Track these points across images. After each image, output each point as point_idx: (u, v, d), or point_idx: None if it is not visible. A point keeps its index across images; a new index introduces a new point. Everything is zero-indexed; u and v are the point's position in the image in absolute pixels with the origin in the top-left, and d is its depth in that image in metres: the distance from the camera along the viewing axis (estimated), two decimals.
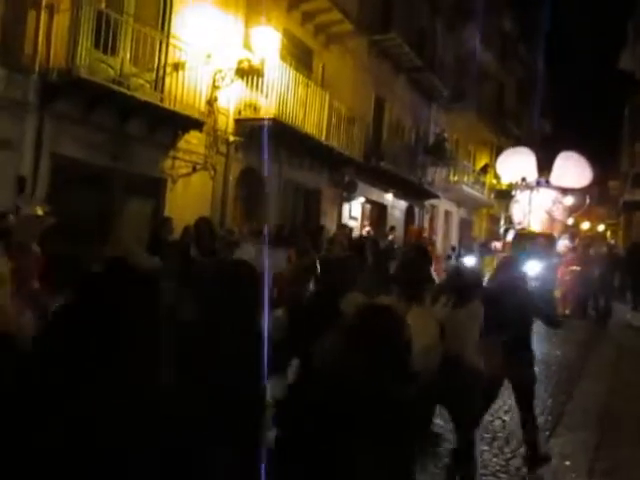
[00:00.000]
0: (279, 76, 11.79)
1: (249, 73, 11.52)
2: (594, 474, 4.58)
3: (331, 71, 14.95)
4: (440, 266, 13.28)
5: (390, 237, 15.29)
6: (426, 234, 19.43)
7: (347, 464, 2.17)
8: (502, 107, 28.37)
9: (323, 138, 13.21)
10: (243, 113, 11.97)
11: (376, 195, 18.34)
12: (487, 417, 5.23)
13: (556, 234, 15.22)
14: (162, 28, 10.18)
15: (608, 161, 31.92)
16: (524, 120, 32.60)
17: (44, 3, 8.12)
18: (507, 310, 4.27)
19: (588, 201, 17.74)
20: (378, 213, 19.09)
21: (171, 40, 10.03)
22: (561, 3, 66.10)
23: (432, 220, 23.45)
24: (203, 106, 10.83)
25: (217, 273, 2.84)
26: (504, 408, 5.84)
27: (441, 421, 5.13)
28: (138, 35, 9.31)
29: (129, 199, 9.92)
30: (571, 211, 16.91)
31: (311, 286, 8.74)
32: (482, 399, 4.28)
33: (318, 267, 8.86)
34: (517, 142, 25.45)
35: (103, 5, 8.92)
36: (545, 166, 15.99)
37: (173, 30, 10.26)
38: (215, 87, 11.21)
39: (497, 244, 16.35)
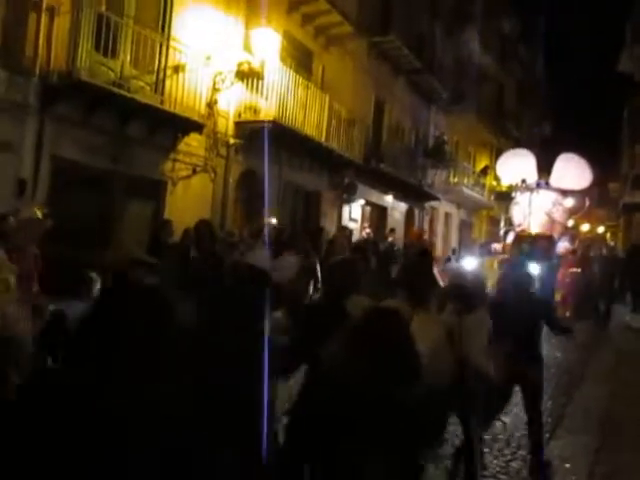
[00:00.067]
0: (279, 78, 11.81)
1: (249, 75, 11.53)
2: (594, 477, 4.58)
3: (331, 73, 14.96)
4: (439, 268, 13.26)
5: (390, 239, 15.30)
6: (426, 236, 19.43)
7: (355, 469, 2.18)
8: (502, 109, 28.39)
9: (323, 140, 13.23)
10: (243, 115, 11.98)
11: (376, 197, 18.34)
12: None
13: (556, 236, 15.20)
14: (162, 30, 10.19)
15: (608, 163, 31.91)
16: (524, 122, 32.63)
17: (45, 6, 8.13)
18: (516, 316, 4.30)
19: (588, 203, 17.73)
20: (378, 215, 19.10)
21: (171, 42, 10.04)
22: (560, 5, 66.18)
23: (432, 222, 23.46)
24: (203, 108, 10.84)
25: (232, 277, 2.85)
26: (504, 410, 5.84)
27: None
28: (138, 37, 9.33)
29: (129, 201, 9.93)
30: (571, 213, 16.89)
31: (311, 287, 8.78)
32: (493, 403, 4.30)
33: (318, 268, 8.88)
34: (517, 144, 25.45)
35: (103, 8, 8.94)
36: (545, 168, 15.97)
37: (173, 32, 10.27)
38: (215, 89, 11.22)
39: (497, 246, 16.32)
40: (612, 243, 25.14)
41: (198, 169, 11.10)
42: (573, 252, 14.99)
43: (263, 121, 11.44)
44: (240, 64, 11.40)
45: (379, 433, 2.19)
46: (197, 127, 10.50)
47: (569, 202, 16.17)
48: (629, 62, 20.54)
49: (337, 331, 2.51)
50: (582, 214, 18.79)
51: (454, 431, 4.57)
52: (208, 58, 10.84)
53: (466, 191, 24.01)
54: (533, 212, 15.20)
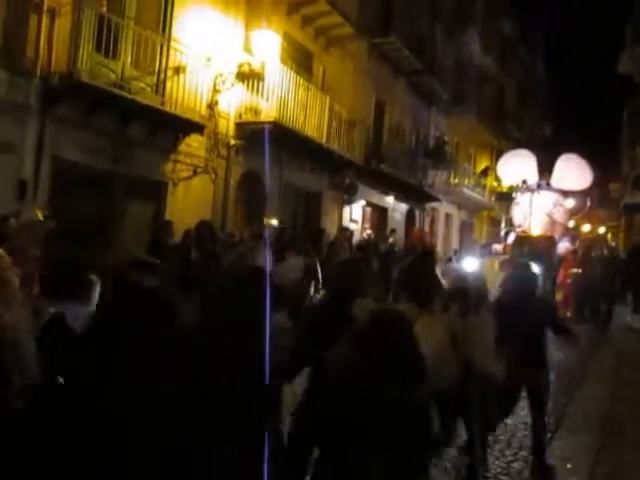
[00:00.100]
0: (279, 79, 11.82)
1: (249, 76, 11.53)
2: (595, 477, 4.58)
3: (331, 74, 14.97)
4: (440, 269, 13.25)
5: (391, 240, 15.31)
6: (427, 237, 19.41)
7: (360, 470, 2.18)
8: (502, 110, 28.39)
9: (324, 141, 13.23)
10: (244, 116, 11.99)
11: (377, 198, 18.35)
12: None
13: (557, 236, 15.20)
14: (163, 32, 10.20)
15: (609, 163, 31.92)
16: (524, 123, 32.62)
17: (46, 7, 8.13)
18: (521, 317, 4.30)
19: (589, 203, 17.74)
20: (379, 216, 19.09)
21: (172, 43, 10.04)
22: (560, 6, 66.25)
23: (433, 223, 23.46)
24: (204, 109, 10.84)
25: (236, 279, 2.86)
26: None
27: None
28: (139, 39, 9.33)
29: (130, 203, 9.93)
30: (572, 213, 16.90)
31: (312, 288, 8.79)
32: (500, 406, 4.30)
33: (319, 269, 8.88)
34: (517, 145, 25.43)
35: (104, 9, 8.95)
36: (545, 168, 15.97)
37: (174, 34, 10.28)
38: (216, 90, 11.23)
39: (498, 246, 16.32)
40: (613, 243, 25.13)
41: (199, 170, 11.11)
42: (574, 252, 14.99)
43: (264, 122, 11.44)
44: (241, 65, 11.40)
45: (385, 435, 2.20)
46: (198, 128, 10.50)
47: (570, 203, 16.18)
48: (629, 63, 20.55)
49: (343, 335, 2.51)
50: (583, 215, 18.79)
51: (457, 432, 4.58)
52: (209, 59, 10.84)
53: (467, 192, 24.00)
54: (534, 213, 15.21)
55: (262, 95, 11.83)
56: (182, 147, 10.67)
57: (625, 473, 4.70)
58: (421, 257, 6.01)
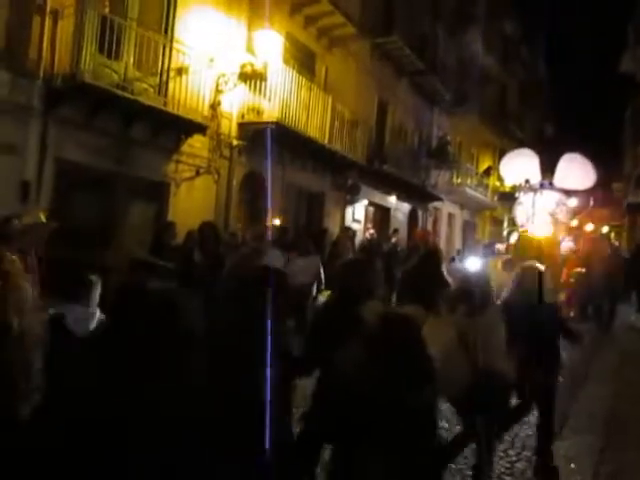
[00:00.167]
0: (282, 80, 11.82)
1: (252, 77, 11.53)
2: (599, 477, 4.57)
3: (334, 74, 14.97)
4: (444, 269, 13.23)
5: (393, 240, 15.30)
6: (430, 237, 19.38)
7: (360, 472, 2.19)
8: (504, 110, 28.35)
9: (326, 141, 13.23)
10: (246, 117, 12.00)
11: (379, 198, 18.34)
12: None
13: (560, 236, 15.18)
14: (165, 32, 10.22)
15: (612, 163, 31.83)
16: (527, 123, 32.57)
17: (49, 8, 8.16)
18: (529, 317, 4.30)
19: (592, 203, 17.72)
20: (381, 216, 19.09)
21: (174, 44, 10.07)
22: (562, 6, 66.23)
23: (435, 223, 23.45)
24: (206, 110, 10.86)
25: (252, 279, 2.85)
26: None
27: (446, 423, 5.13)
28: (142, 40, 9.35)
29: (133, 203, 9.95)
30: (575, 213, 16.86)
31: (314, 288, 8.76)
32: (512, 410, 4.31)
33: (321, 269, 8.86)
34: (520, 144, 25.31)
35: (107, 10, 8.97)
36: (548, 168, 15.93)
37: (176, 34, 10.30)
38: (218, 91, 11.24)
39: (500, 246, 16.30)
40: (616, 243, 25.08)
41: (201, 171, 11.12)
42: (577, 252, 14.96)
43: (266, 122, 11.45)
44: (243, 66, 11.41)
45: (388, 436, 2.20)
46: (200, 129, 10.51)
47: (573, 202, 16.15)
48: (631, 63, 20.53)
49: (352, 337, 2.51)
50: (586, 214, 18.76)
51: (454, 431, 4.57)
52: (211, 60, 10.86)
53: (469, 192, 23.97)
54: (537, 212, 15.17)
55: (264, 95, 11.84)
56: (184, 148, 10.68)
57: (629, 472, 4.69)
58: (425, 257, 5.95)
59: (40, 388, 2.39)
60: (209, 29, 10.91)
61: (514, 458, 4.93)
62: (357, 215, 16.89)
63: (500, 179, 22.63)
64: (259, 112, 12.05)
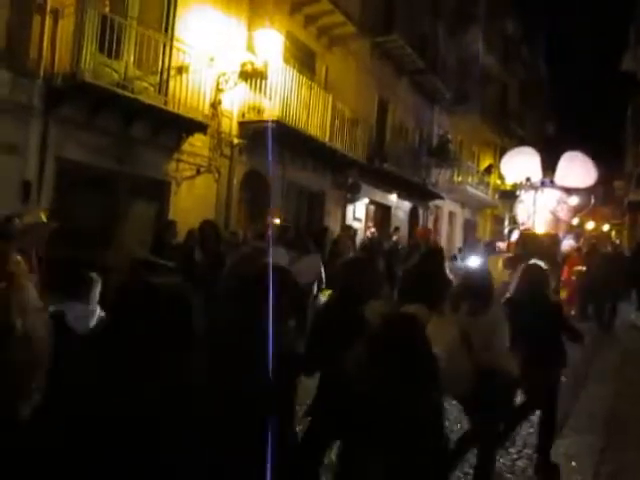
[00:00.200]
0: (282, 78, 11.82)
1: (252, 76, 11.53)
2: (600, 476, 4.57)
3: (334, 73, 14.97)
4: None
5: (394, 238, 15.30)
6: (431, 234, 19.38)
7: (360, 472, 2.19)
8: (505, 108, 28.33)
9: (326, 140, 13.22)
10: (247, 116, 12.00)
11: (380, 196, 18.34)
12: None
13: (561, 234, 15.16)
14: (166, 31, 10.22)
15: (613, 161, 31.84)
16: (527, 122, 32.55)
17: (49, 8, 8.16)
18: (532, 316, 4.30)
19: (593, 201, 17.66)
20: (382, 214, 19.09)
21: (175, 43, 10.07)
22: (563, 6, 66.12)
23: (436, 221, 23.45)
24: (207, 109, 10.86)
25: (256, 276, 2.84)
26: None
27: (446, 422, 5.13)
28: (142, 39, 9.35)
29: (133, 202, 9.95)
30: (576, 211, 16.83)
31: (315, 287, 8.74)
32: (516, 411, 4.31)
33: (322, 268, 8.85)
34: (521, 143, 25.35)
35: (107, 9, 8.97)
36: (549, 166, 15.92)
37: (177, 33, 10.30)
38: (219, 90, 11.24)
39: (502, 244, 16.29)
40: (617, 241, 25.07)
41: (202, 169, 11.13)
42: (578, 250, 14.95)
43: (267, 121, 11.44)
44: (243, 65, 11.41)
45: (389, 437, 2.20)
46: (201, 127, 10.51)
47: (574, 200, 16.12)
48: (632, 62, 20.50)
49: (356, 337, 2.51)
50: (587, 212, 18.72)
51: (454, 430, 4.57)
52: (211, 59, 10.86)
53: (470, 190, 23.97)
54: (538, 210, 15.16)
55: (265, 94, 11.83)
56: (185, 146, 10.69)
57: (629, 472, 4.69)
58: (427, 255, 5.91)
59: (40, 387, 2.39)
60: (209, 28, 10.91)
61: (515, 456, 4.93)
62: (358, 214, 16.89)
63: (501, 177, 22.63)
64: (259, 111, 12.05)
